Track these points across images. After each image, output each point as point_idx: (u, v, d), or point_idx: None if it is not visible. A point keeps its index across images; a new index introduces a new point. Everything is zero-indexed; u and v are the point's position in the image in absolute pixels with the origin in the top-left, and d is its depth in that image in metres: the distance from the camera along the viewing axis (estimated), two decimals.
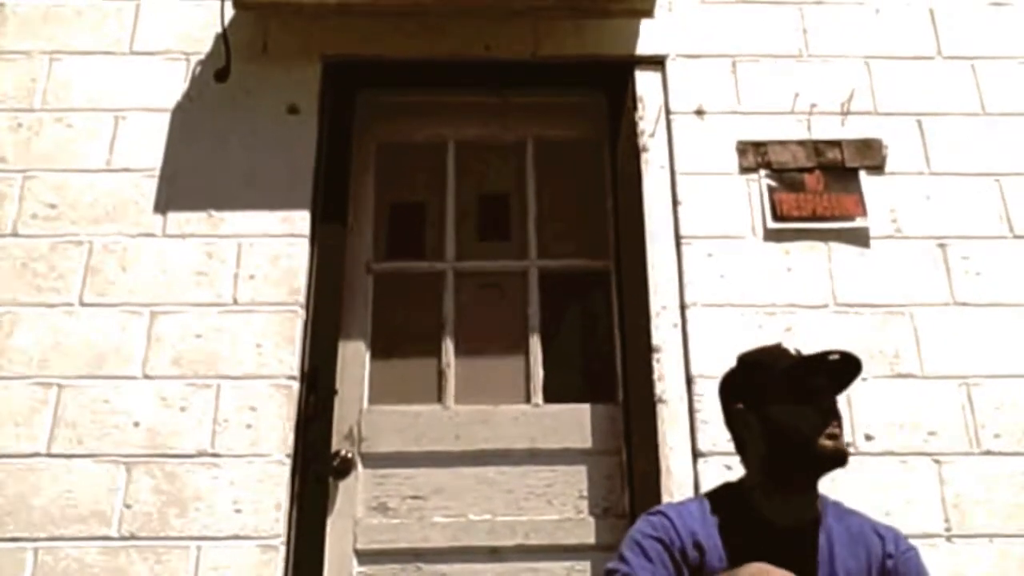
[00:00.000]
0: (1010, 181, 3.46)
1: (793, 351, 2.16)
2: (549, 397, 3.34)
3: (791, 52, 3.65)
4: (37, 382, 3.09)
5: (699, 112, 3.54)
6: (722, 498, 2.18)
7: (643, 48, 3.64)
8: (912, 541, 2.88)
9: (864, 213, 3.37)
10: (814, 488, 2.12)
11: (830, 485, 2.94)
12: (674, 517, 2.09)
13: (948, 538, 3.00)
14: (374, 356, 3.39)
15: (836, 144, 3.48)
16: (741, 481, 2.20)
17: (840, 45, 3.67)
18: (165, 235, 3.29)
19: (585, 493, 3.20)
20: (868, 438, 3.10)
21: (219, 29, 3.51)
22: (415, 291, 3.52)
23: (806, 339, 3.16)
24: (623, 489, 3.17)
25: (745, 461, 2.20)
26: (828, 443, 2.04)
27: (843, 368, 2.12)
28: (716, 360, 3.07)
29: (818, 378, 2.10)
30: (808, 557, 2.04)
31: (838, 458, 2.06)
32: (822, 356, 2.10)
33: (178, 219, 3.32)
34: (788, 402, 2.08)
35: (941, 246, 3.35)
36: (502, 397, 3.34)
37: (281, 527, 2.98)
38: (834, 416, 2.08)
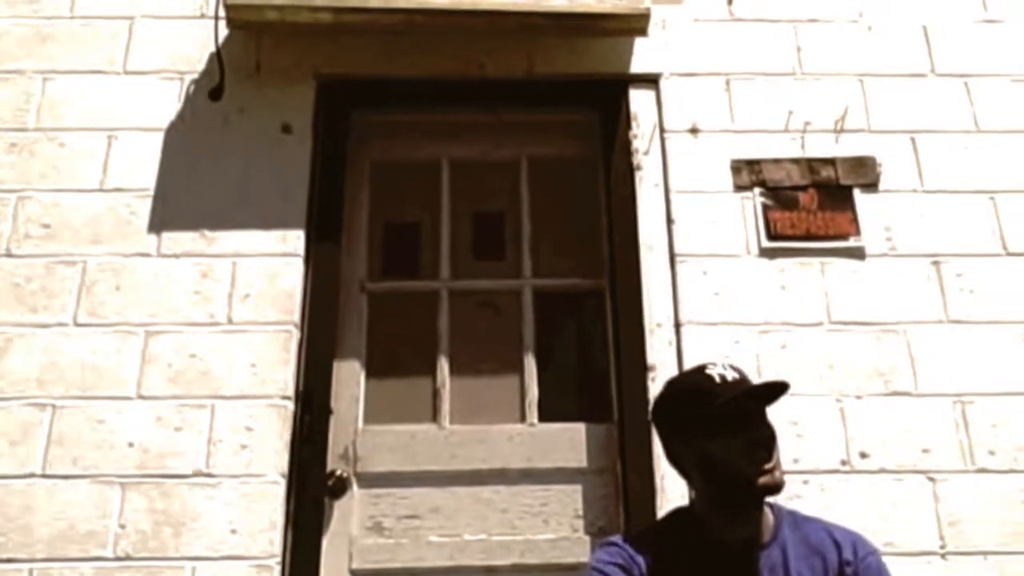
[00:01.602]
0: (1004, 198, 3.54)
1: (716, 375, 2.14)
2: (544, 416, 3.39)
3: (785, 70, 3.73)
4: (31, 403, 3.15)
5: (693, 130, 3.61)
6: (673, 523, 2.26)
7: (637, 66, 3.72)
8: (907, 559, 3.01)
9: (858, 231, 3.45)
10: (760, 507, 2.15)
11: (826, 500, 3.05)
12: (626, 545, 2.16)
13: (943, 555, 3.07)
14: (369, 375, 3.44)
15: (830, 162, 3.56)
16: (692, 504, 2.26)
17: (834, 63, 3.75)
18: (159, 255, 3.35)
19: (580, 512, 3.26)
20: (863, 455, 3.16)
21: (213, 48, 3.59)
22: (410, 310, 3.58)
23: (800, 357, 3.26)
24: (618, 508, 3.22)
25: (690, 486, 2.25)
26: (762, 479, 2.05)
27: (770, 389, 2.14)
28: None
29: (741, 403, 2.10)
30: (758, 574, 2.10)
31: (773, 491, 2.07)
32: (747, 392, 2.11)
33: (172, 239, 3.38)
34: (719, 436, 2.08)
35: (935, 263, 3.43)
36: (497, 416, 3.40)
37: (276, 547, 3.03)
38: (764, 447, 2.08)
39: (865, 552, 2.14)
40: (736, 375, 2.14)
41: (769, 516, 2.18)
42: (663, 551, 2.14)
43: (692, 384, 2.20)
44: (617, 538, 2.23)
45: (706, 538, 2.14)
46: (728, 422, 2.08)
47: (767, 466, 2.06)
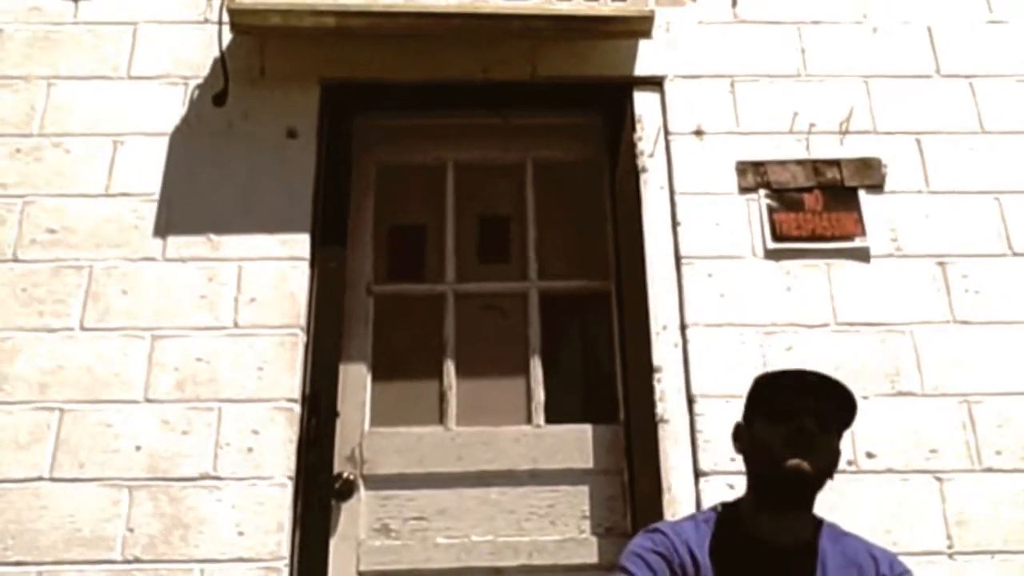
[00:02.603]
0: (1009, 199, 3.60)
1: (802, 371, 2.25)
2: (550, 418, 3.46)
3: (790, 72, 3.79)
4: (39, 407, 3.21)
5: (698, 132, 3.67)
6: (717, 517, 2.30)
7: (642, 69, 3.78)
8: (914, 559, 3.05)
9: (863, 232, 3.50)
10: (805, 508, 2.22)
11: (832, 501, 3.08)
12: (671, 534, 2.22)
13: (950, 555, 3.12)
14: (375, 378, 3.52)
15: (835, 163, 3.62)
16: (737, 501, 2.32)
17: (838, 64, 3.82)
18: (165, 259, 3.42)
19: (587, 513, 3.32)
20: (869, 456, 3.22)
21: (217, 53, 3.65)
22: (416, 313, 3.65)
23: (807, 358, 3.29)
24: (625, 509, 3.29)
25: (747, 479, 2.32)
26: (790, 462, 2.12)
27: (828, 391, 2.21)
28: (717, 380, 3.23)
29: (800, 399, 2.18)
30: None
31: (796, 476, 2.13)
32: (786, 372, 2.24)
33: (178, 243, 3.44)
34: (766, 420, 2.20)
35: (941, 264, 3.49)
36: (503, 418, 3.47)
37: (284, 550, 3.09)
38: (806, 438, 2.14)
39: (901, 570, 2.23)
40: (816, 378, 2.22)
41: (811, 524, 2.24)
42: (706, 544, 2.20)
43: (774, 374, 2.31)
44: (661, 525, 2.30)
45: (749, 536, 2.20)
46: (779, 410, 2.19)
47: (798, 450, 2.13)
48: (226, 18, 3.58)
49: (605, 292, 3.62)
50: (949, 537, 3.14)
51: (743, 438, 2.31)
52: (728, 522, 2.26)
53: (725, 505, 2.36)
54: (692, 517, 2.34)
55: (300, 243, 3.46)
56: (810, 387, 2.20)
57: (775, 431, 2.17)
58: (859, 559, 2.22)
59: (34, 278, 3.38)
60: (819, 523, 2.27)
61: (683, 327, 3.39)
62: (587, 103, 3.83)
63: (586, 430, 3.42)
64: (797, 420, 2.16)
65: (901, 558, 2.30)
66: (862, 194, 3.58)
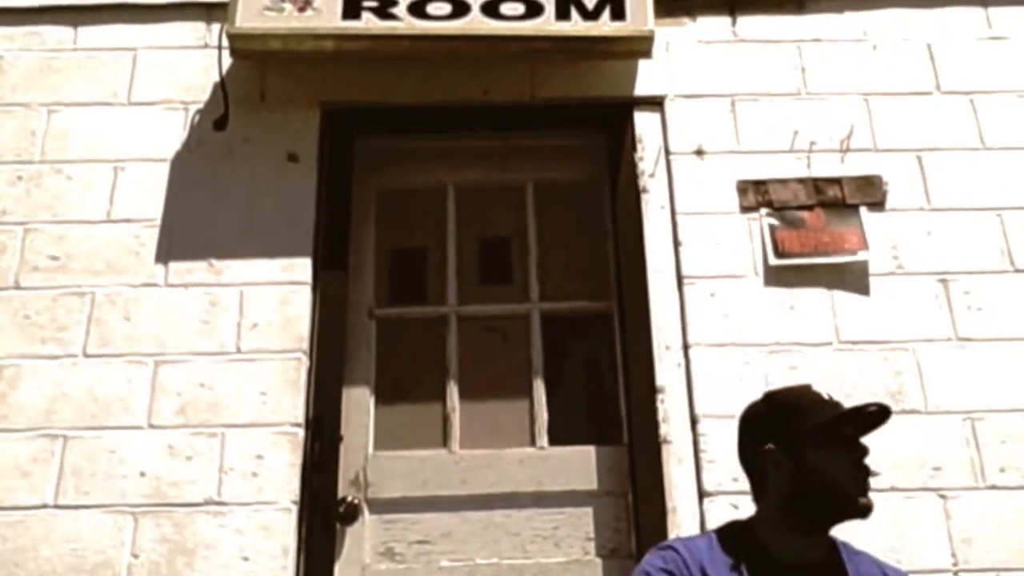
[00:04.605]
0: (1011, 215, 3.67)
1: (825, 395, 2.27)
2: (554, 440, 3.52)
3: (790, 90, 3.87)
4: (42, 434, 3.28)
5: (699, 152, 3.74)
6: (730, 535, 2.31)
7: (642, 89, 3.86)
8: None
9: (866, 248, 3.56)
10: (827, 530, 2.25)
11: None
12: (683, 551, 2.23)
13: (955, 573, 3.18)
14: (378, 402, 3.59)
15: (836, 181, 3.69)
16: (750, 519, 2.33)
17: (838, 82, 3.89)
18: (167, 284, 3.50)
19: (592, 535, 3.38)
20: (873, 474, 3.26)
21: (217, 78, 3.74)
22: (418, 336, 3.73)
23: (810, 377, 3.33)
24: (630, 530, 3.35)
25: (761, 500, 2.30)
26: (863, 500, 2.16)
27: (867, 417, 2.25)
28: (720, 400, 3.29)
29: (847, 426, 2.21)
30: None
31: (868, 513, 2.17)
32: (862, 409, 2.22)
33: (180, 268, 3.52)
34: (825, 449, 2.18)
35: (943, 281, 3.55)
36: (507, 441, 3.54)
37: (289, 574, 3.15)
38: (865, 472, 2.19)
39: None
40: (874, 410, 2.24)
41: (828, 543, 2.26)
42: (717, 564, 2.20)
43: (803, 396, 2.32)
44: (673, 542, 2.33)
45: (763, 556, 2.20)
46: (841, 438, 2.19)
47: (868, 485, 2.18)
48: (226, 43, 3.67)
49: (607, 313, 3.69)
50: (954, 555, 3.20)
51: (783, 461, 2.23)
52: (743, 541, 2.26)
53: (736, 523, 2.37)
54: (706, 535, 2.36)
55: (302, 267, 3.54)
56: (866, 420, 2.24)
57: (836, 460, 2.17)
58: None
59: (36, 305, 3.45)
60: (832, 541, 2.28)
61: (686, 347, 3.46)
62: (587, 123, 3.91)
63: (590, 451, 3.48)
64: (860, 453, 2.19)
65: None
66: (863, 212, 3.64)
